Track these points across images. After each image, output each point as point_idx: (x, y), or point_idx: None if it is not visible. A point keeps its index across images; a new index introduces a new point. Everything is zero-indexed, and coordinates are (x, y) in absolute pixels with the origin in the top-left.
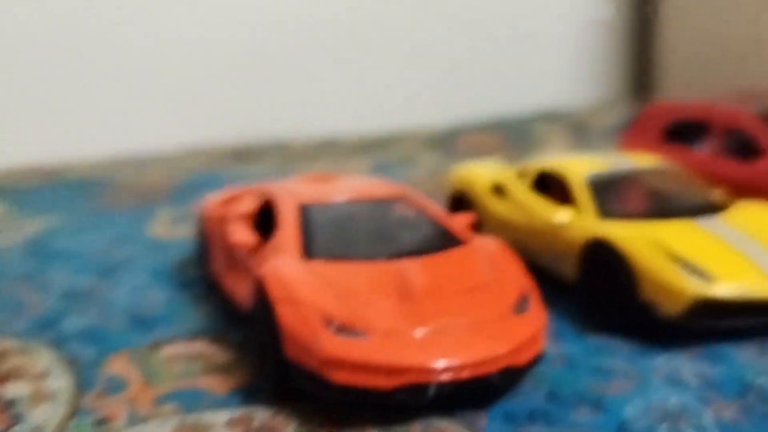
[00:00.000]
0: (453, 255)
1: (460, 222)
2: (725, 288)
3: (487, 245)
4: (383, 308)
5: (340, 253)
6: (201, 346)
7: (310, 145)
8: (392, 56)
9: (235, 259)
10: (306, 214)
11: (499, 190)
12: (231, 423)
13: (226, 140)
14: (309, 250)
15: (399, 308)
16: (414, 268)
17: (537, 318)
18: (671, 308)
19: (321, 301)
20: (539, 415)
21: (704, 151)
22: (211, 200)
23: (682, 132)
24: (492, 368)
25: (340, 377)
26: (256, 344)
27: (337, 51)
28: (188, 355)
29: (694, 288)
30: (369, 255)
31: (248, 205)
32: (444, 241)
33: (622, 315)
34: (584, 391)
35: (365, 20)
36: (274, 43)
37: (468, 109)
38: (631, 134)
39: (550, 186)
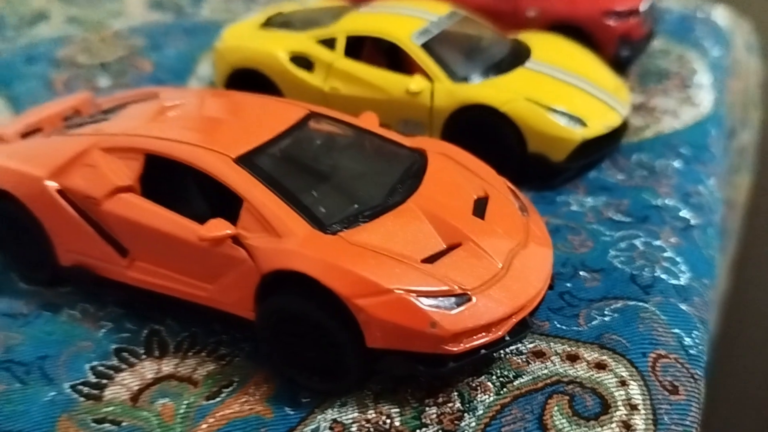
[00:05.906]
0: (437, 173)
1: (370, 124)
2: (596, 128)
3: (441, 147)
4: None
5: (352, 214)
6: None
7: None
8: None
9: (176, 253)
10: (257, 170)
11: (300, 60)
12: None
13: None
14: (318, 221)
15: (469, 255)
16: (433, 204)
17: (532, 207)
18: (558, 155)
19: (404, 277)
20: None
21: None
22: (30, 166)
23: None
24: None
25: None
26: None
27: None
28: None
29: (577, 134)
30: (383, 205)
31: (124, 170)
32: (410, 158)
33: (513, 168)
34: (569, 256)
35: None
36: None
37: None
38: None
39: (362, 49)
